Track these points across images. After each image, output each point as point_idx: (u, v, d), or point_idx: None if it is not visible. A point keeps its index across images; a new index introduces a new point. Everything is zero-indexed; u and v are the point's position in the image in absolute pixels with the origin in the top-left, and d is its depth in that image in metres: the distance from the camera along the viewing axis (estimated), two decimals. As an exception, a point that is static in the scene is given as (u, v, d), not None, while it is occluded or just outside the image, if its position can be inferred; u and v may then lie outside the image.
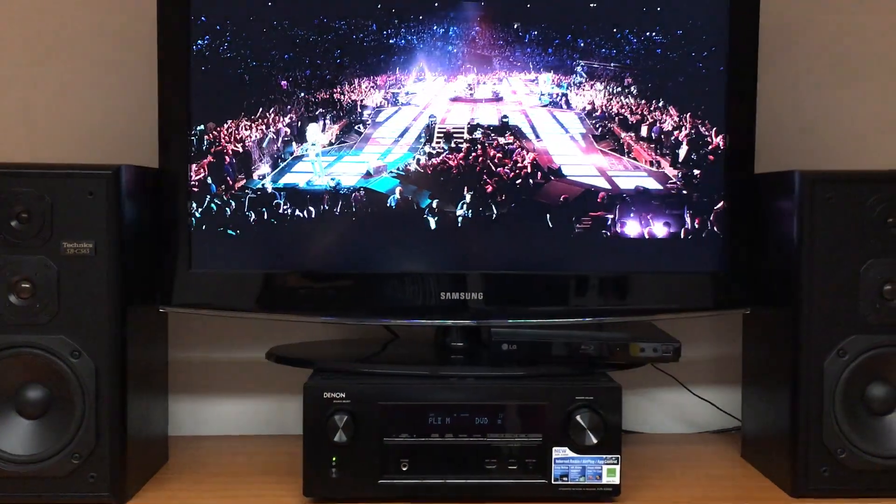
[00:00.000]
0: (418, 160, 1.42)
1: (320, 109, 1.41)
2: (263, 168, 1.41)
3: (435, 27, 1.41)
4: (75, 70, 1.64)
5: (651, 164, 1.44)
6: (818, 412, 1.32)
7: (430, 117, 1.42)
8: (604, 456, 1.31)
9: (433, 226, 1.41)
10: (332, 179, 1.41)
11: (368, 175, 1.42)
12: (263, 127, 1.40)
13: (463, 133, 1.42)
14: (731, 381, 1.66)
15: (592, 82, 1.43)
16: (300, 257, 1.43)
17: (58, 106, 1.65)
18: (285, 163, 1.41)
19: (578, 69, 1.42)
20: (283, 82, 1.40)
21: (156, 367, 1.48)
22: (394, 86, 1.41)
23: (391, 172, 1.42)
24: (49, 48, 1.64)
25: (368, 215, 1.42)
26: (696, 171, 1.44)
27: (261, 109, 1.40)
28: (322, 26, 1.40)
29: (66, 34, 1.64)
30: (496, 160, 1.42)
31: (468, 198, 1.42)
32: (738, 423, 1.62)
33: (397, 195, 1.41)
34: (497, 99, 1.43)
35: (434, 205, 1.42)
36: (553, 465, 1.31)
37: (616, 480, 1.31)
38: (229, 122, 1.40)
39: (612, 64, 1.42)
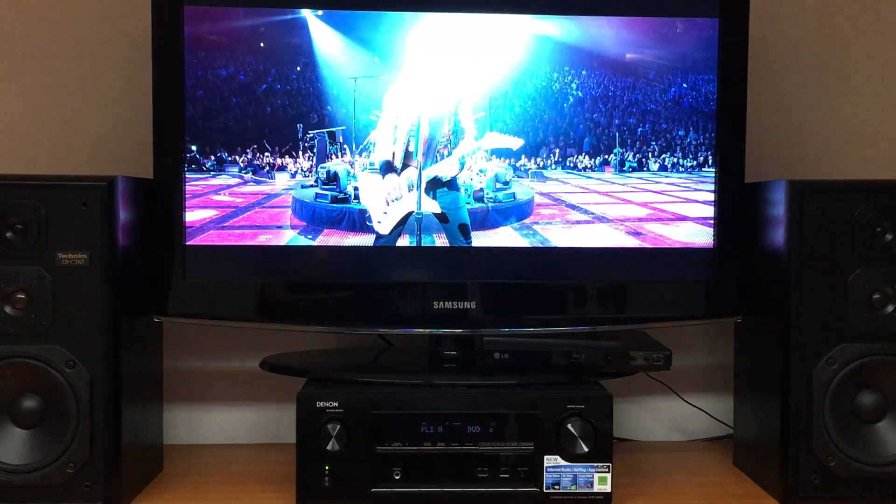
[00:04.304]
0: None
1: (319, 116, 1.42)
2: (260, 175, 1.42)
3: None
4: (69, 81, 1.65)
5: (639, 170, 1.46)
6: (808, 420, 1.33)
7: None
8: (595, 464, 1.31)
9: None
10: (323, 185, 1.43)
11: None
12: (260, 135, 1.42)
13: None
14: (723, 389, 1.67)
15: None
16: (294, 267, 1.43)
17: (53, 117, 1.66)
18: (281, 168, 1.42)
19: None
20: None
21: (151, 377, 1.49)
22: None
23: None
24: (43, 59, 1.65)
25: (357, 223, 1.43)
26: (687, 181, 1.45)
27: (258, 114, 1.42)
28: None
29: (61, 44, 1.65)
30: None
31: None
32: (730, 430, 1.63)
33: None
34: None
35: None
36: (545, 473, 1.32)
37: (607, 488, 1.32)
38: (225, 131, 1.41)
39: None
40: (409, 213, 1.43)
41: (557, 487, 1.32)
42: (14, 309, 1.27)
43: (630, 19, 1.44)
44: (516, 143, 1.42)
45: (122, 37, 1.64)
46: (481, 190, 1.44)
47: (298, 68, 1.41)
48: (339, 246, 1.43)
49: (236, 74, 1.41)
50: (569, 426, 1.31)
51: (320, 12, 1.40)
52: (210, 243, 1.41)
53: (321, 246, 1.43)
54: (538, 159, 1.44)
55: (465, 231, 1.43)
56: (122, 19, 1.64)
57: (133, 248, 1.35)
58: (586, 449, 1.31)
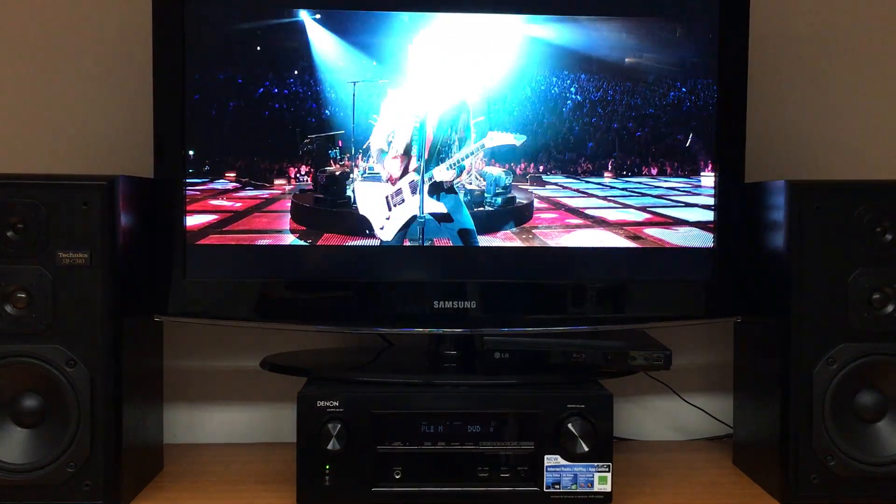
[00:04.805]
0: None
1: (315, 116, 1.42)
2: (258, 180, 1.42)
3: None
4: (71, 81, 1.65)
5: (640, 173, 1.46)
6: (808, 420, 1.33)
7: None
8: (595, 463, 1.31)
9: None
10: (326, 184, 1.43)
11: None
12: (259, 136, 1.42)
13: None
14: (723, 389, 1.67)
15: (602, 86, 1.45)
16: (294, 266, 1.43)
17: (53, 116, 1.66)
18: (280, 173, 1.42)
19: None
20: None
21: (151, 376, 1.48)
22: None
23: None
24: (45, 59, 1.65)
25: (357, 221, 1.43)
26: (686, 183, 1.45)
27: (256, 117, 1.42)
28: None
29: (62, 45, 1.65)
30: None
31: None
32: (729, 430, 1.63)
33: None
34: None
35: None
36: (545, 472, 1.32)
37: (607, 488, 1.32)
38: (223, 135, 1.41)
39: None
40: (413, 218, 1.43)
41: (558, 487, 1.32)
42: (14, 308, 1.27)
43: (629, 20, 1.44)
44: (518, 139, 1.42)
45: (122, 37, 1.64)
46: (481, 194, 1.44)
47: (296, 72, 1.41)
48: (340, 245, 1.43)
49: (234, 78, 1.41)
50: (569, 426, 1.31)
51: (318, 15, 1.40)
52: (210, 243, 1.41)
53: (321, 245, 1.43)
54: (537, 164, 1.44)
55: (465, 236, 1.43)
56: (123, 19, 1.64)
57: (133, 248, 1.35)
58: (586, 448, 1.31)
